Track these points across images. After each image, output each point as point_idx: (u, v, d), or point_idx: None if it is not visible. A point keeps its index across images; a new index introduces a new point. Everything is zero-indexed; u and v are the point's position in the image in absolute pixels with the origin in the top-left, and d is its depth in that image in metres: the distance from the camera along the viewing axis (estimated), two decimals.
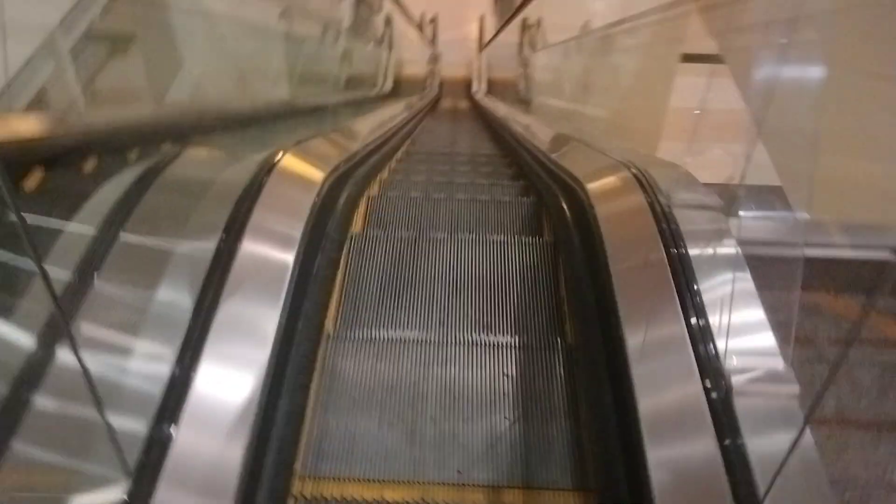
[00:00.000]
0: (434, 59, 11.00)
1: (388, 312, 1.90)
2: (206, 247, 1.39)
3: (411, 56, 10.64)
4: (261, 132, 3.57)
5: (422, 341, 1.71)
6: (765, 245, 1.34)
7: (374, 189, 2.83)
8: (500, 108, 6.55)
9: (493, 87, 10.45)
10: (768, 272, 1.36)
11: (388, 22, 9.27)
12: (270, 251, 1.43)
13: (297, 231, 1.49)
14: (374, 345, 1.69)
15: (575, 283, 1.69)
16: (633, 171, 1.57)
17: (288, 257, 1.44)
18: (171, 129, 2.61)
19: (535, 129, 3.45)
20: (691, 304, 1.25)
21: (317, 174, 1.70)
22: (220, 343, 1.18)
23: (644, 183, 1.51)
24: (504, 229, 2.44)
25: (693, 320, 1.21)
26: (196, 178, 1.60)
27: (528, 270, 2.04)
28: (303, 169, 1.67)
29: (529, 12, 9.56)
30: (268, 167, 1.56)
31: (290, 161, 1.63)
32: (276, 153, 1.63)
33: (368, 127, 3.15)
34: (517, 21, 10.15)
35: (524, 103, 8.08)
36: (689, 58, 5.49)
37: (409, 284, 2.04)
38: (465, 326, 1.84)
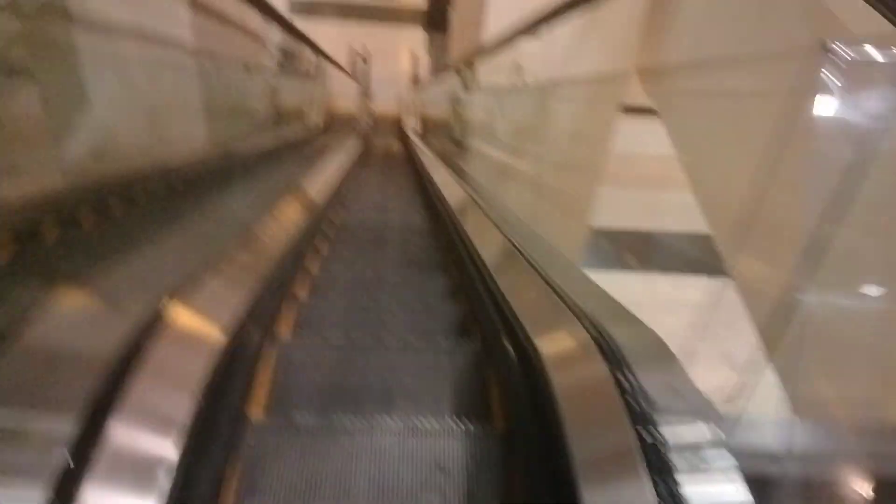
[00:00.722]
0: (365, 94, 10.74)
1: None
2: (62, 431, 1.07)
3: (342, 91, 10.37)
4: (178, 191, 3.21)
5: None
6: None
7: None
8: (433, 165, 6.27)
9: (426, 126, 10.24)
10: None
11: (318, 61, 8.97)
12: (145, 441, 1.11)
13: (181, 414, 1.17)
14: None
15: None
16: (594, 332, 1.32)
17: (169, 454, 1.12)
18: None
19: (474, 222, 3.15)
20: None
21: (211, 331, 1.38)
22: None
23: (605, 349, 1.26)
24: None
25: None
26: (56, 342, 1.26)
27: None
28: (194, 323, 1.36)
29: (461, 49, 9.44)
30: (147, 324, 1.24)
31: (178, 314, 1.31)
32: (160, 303, 1.31)
33: (284, 219, 2.77)
34: (449, 55, 10.03)
35: (458, 145, 7.88)
36: (629, 110, 5.41)
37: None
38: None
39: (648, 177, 7.03)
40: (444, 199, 4.09)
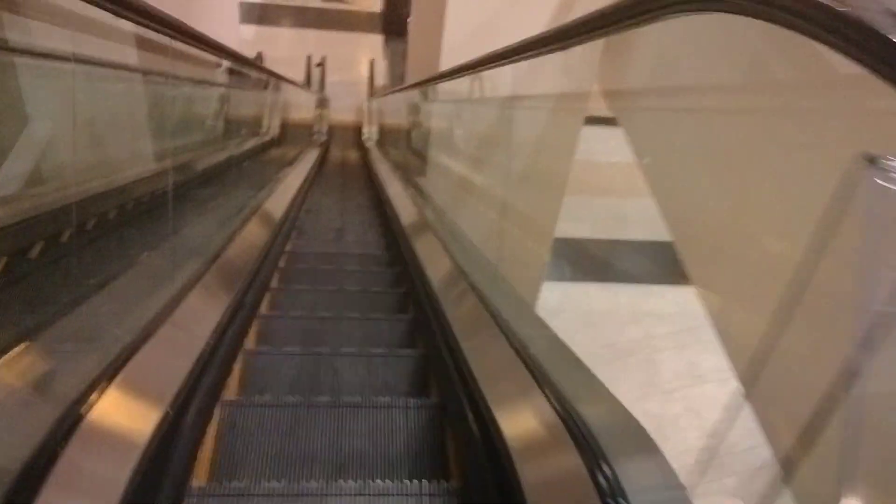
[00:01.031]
0: (322, 103, 10.48)
1: None
2: None
3: (298, 100, 10.10)
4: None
5: None
6: None
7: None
8: (392, 182, 6.08)
9: (385, 136, 10.03)
10: None
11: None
12: None
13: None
14: None
15: None
16: (564, 415, 1.16)
17: None
18: None
19: (433, 255, 2.98)
20: None
21: (141, 428, 1.19)
22: None
23: (577, 437, 1.10)
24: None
25: None
26: None
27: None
28: (121, 420, 1.17)
29: (420, 55, 9.27)
30: (66, 425, 1.06)
31: (101, 411, 1.12)
32: (82, 398, 1.12)
33: (233, 256, 2.55)
34: (407, 62, 9.83)
35: (418, 156, 7.70)
36: (592, 120, 5.33)
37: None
38: None
39: (610, 184, 6.94)
40: (403, 224, 3.91)
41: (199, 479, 1.61)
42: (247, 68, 5.97)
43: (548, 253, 5.15)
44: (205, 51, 2.97)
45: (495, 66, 3.09)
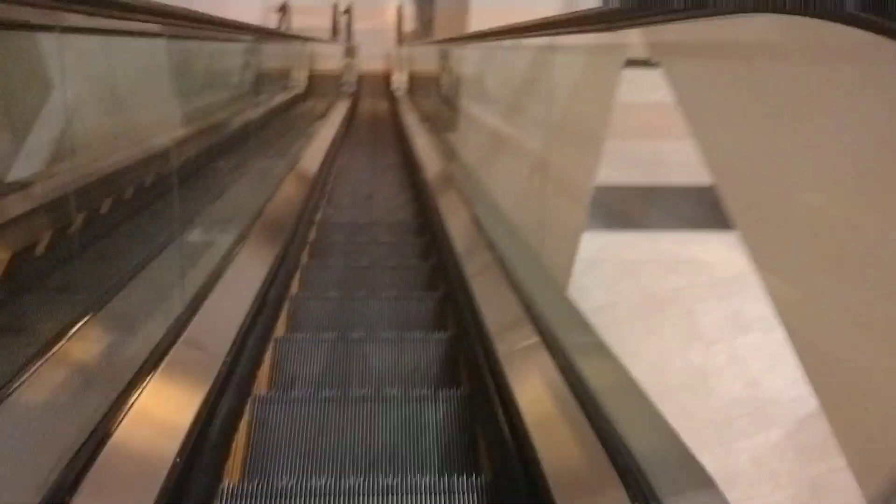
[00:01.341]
0: (350, 52, 10.22)
1: None
2: None
3: (325, 50, 9.86)
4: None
5: None
6: None
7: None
8: (423, 139, 5.87)
9: (414, 83, 9.75)
10: None
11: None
12: None
13: None
14: None
15: None
16: (612, 451, 1.03)
17: None
18: None
19: (464, 233, 2.85)
20: None
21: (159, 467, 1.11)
22: None
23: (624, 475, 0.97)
24: None
25: None
26: None
27: None
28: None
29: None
30: (75, 469, 0.99)
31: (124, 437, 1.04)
32: (98, 431, 1.04)
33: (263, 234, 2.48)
34: (436, 7, 9.49)
35: (448, 105, 7.47)
36: (632, 63, 5.03)
37: None
38: None
39: (648, 126, 6.62)
40: (436, 198, 3.77)
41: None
42: (270, 39, 5.78)
43: (587, 204, 4.95)
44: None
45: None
